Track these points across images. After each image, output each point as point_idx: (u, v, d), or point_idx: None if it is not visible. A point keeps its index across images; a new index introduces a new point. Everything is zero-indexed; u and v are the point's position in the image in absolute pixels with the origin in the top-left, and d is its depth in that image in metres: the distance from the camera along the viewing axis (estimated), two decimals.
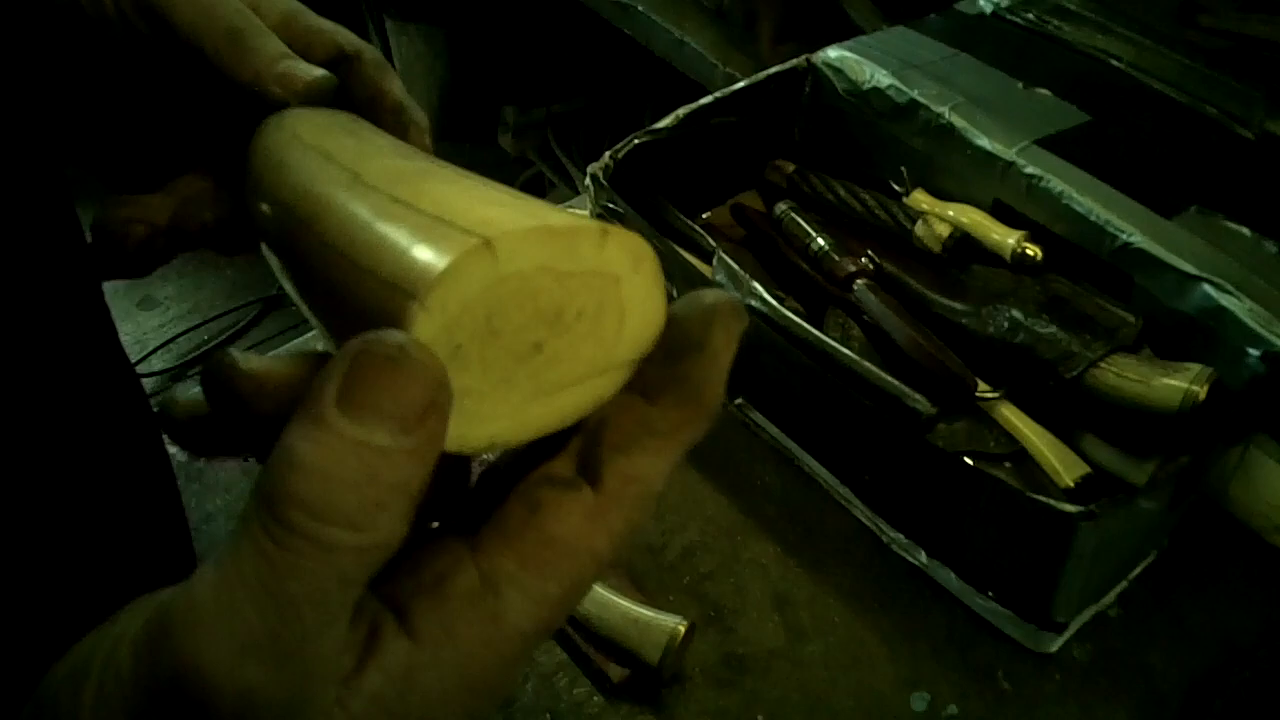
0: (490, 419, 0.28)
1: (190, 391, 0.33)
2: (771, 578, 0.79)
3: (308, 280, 0.33)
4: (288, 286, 0.36)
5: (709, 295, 0.29)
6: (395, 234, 0.28)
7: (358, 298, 0.28)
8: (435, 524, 0.30)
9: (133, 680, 0.25)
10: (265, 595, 0.24)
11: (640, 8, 1.36)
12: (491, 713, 0.27)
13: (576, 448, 0.29)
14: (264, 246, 0.39)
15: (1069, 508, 0.66)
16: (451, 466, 0.30)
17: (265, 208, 0.37)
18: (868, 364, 0.74)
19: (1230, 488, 0.82)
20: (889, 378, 0.73)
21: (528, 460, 0.29)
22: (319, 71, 0.42)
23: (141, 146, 0.49)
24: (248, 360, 0.29)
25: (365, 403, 0.24)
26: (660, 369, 0.29)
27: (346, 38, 0.48)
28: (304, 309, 0.34)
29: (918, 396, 0.72)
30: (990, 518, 0.70)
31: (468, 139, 2.41)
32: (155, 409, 0.32)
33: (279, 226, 0.36)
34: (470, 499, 0.30)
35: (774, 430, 0.85)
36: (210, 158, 0.45)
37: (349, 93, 0.47)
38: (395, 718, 0.26)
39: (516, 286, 0.27)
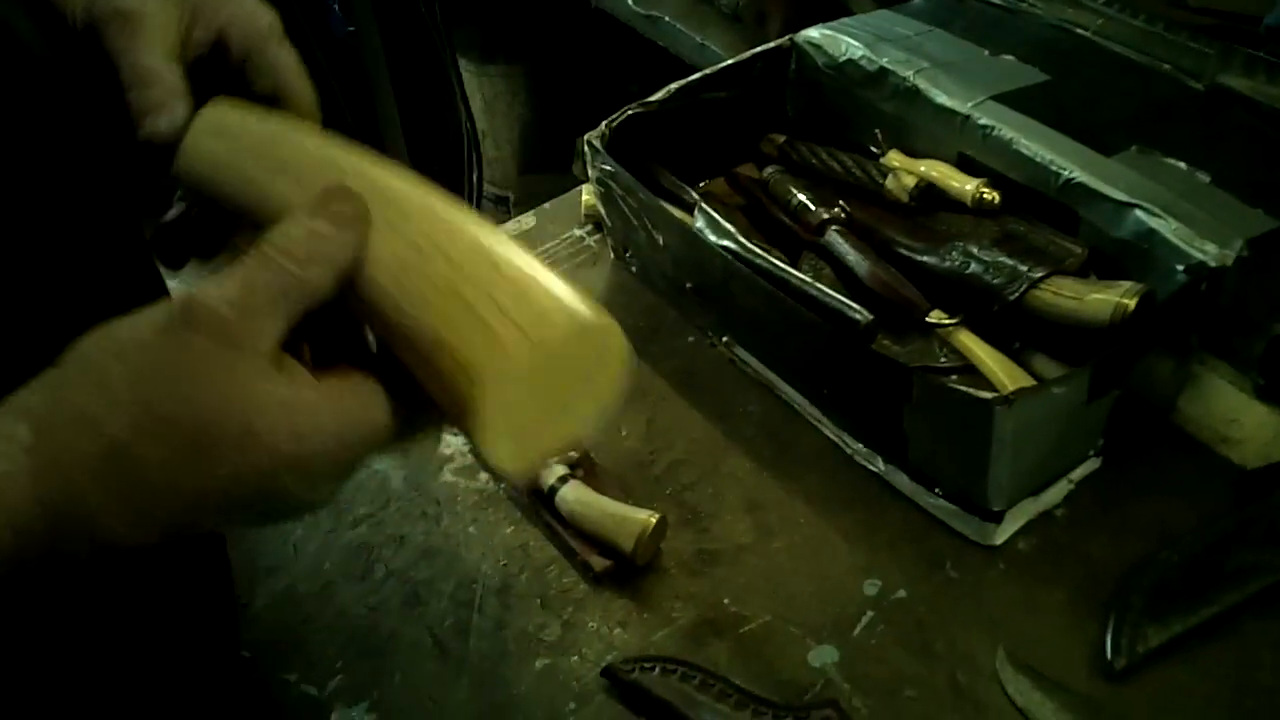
0: (525, 446, 0.44)
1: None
2: (746, 486, 0.88)
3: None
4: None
5: None
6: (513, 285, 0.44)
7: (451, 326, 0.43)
8: None
9: (165, 304, 0.42)
10: (239, 280, 0.42)
11: (666, 18, 1.48)
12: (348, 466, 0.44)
13: None
14: None
15: (985, 395, 0.74)
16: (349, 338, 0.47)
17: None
18: (818, 284, 0.82)
19: (1180, 402, 0.89)
20: (833, 293, 0.81)
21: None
22: (160, 129, 0.53)
23: None
24: None
25: (320, 211, 0.44)
26: None
27: (286, 81, 0.59)
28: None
29: (856, 307, 0.80)
30: (925, 414, 0.78)
31: (545, 169, 2.55)
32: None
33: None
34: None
35: (755, 363, 0.94)
36: None
37: None
38: (289, 412, 0.41)
39: (574, 353, 0.43)
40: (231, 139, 0.52)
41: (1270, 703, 0.71)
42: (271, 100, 0.58)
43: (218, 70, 0.58)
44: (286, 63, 0.59)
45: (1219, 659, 0.73)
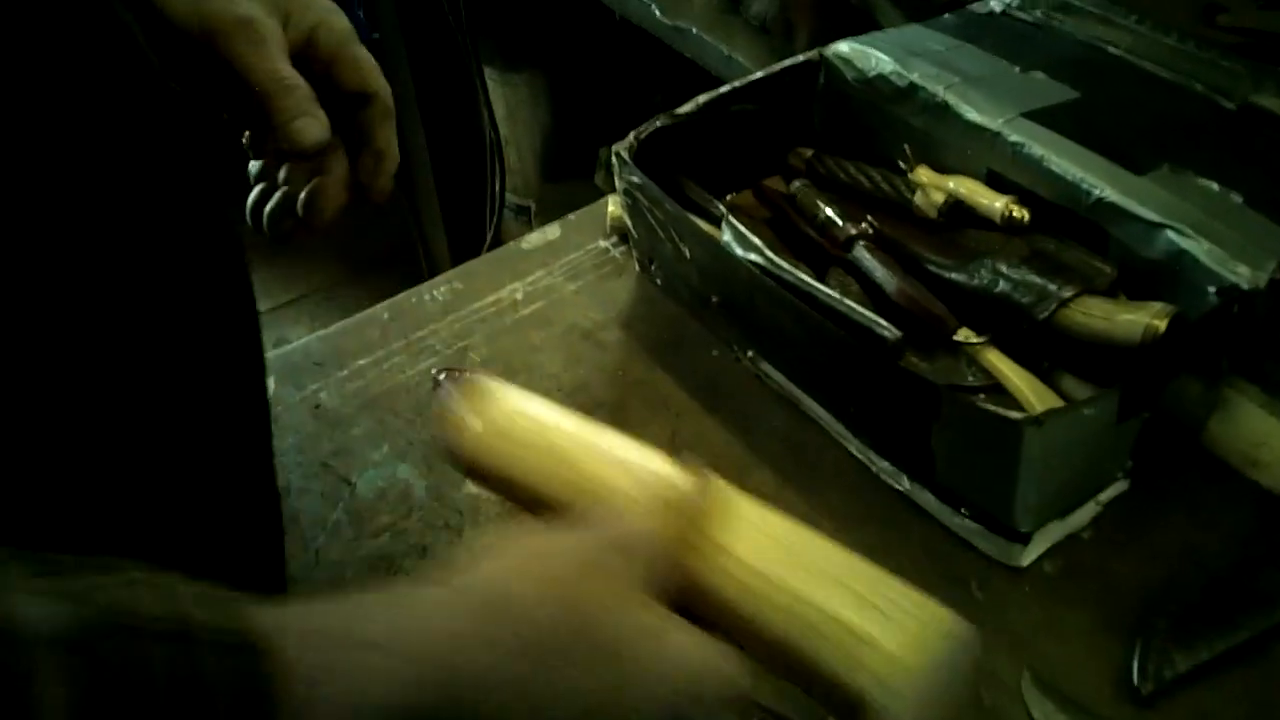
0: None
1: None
2: (769, 501, 0.87)
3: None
4: None
5: None
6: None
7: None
8: None
9: (584, 531, 0.51)
10: (637, 531, 0.52)
11: (694, 30, 1.48)
12: None
13: None
14: None
15: (1015, 415, 0.73)
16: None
17: None
18: (845, 300, 0.82)
19: (1210, 426, 0.88)
20: (861, 309, 0.81)
21: None
22: (320, 136, 0.59)
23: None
24: None
25: (684, 483, 0.59)
26: None
27: (371, 79, 0.65)
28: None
29: (884, 323, 0.80)
30: (953, 432, 0.77)
31: (566, 178, 2.55)
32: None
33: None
34: None
35: (780, 378, 0.94)
36: None
37: (351, 124, 0.66)
38: (686, 652, 0.48)
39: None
40: (527, 428, 0.62)
41: None
42: (358, 96, 0.64)
43: (303, 70, 0.62)
44: (369, 62, 0.64)
45: (1247, 685, 0.73)
